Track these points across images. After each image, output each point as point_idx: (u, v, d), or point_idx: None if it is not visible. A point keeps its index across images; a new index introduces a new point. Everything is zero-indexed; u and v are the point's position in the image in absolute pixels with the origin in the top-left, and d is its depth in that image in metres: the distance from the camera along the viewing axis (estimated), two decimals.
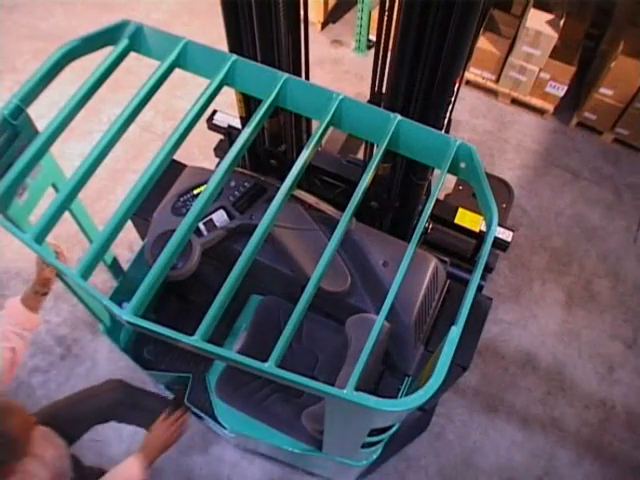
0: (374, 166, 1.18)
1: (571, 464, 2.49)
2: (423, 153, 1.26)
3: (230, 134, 2.37)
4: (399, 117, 1.21)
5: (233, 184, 1.96)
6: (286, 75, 1.23)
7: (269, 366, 0.93)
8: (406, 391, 1.88)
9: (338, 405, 1.09)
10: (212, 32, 2.35)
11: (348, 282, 1.77)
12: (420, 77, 1.52)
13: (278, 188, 1.12)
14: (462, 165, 1.22)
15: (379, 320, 0.99)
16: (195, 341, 0.94)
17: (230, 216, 1.91)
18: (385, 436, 1.56)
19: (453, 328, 0.99)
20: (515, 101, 3.59)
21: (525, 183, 3.31)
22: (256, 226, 1.06)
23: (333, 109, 1.21)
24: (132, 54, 1.31)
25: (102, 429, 2.45)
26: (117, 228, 1.06)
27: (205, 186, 1.11)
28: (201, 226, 1.86)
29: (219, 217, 1.90)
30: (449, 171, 1.22)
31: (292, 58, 1.77)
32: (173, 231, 1.06)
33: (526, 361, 2.73)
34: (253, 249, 1.04)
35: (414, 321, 1.75)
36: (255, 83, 1.27)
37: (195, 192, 1.96)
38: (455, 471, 2.45)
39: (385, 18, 1.67)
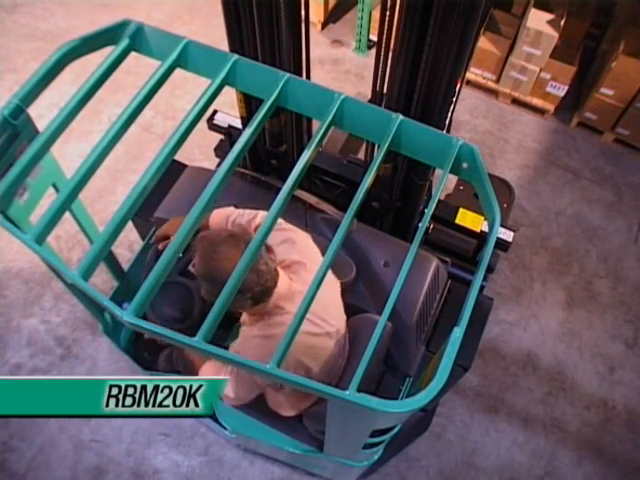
0: (376, 166, 1.17)
1: (572, 464, 2.49)
2: (425, 153, 1.26)
3: (230, 134, 2.37)
4: (401, 117, 1.20)
5: (234, 184, 1.95)
6: (287, 75, 1.22)
7: (271, 367, 0.93)
8: (407, 392, 1.88)
9: (340, 406, 1.09)
10: (213, 32, 2.35)
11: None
12: (421, 77, 1.52)
13: (279, 188, 1.11)
14: (464, 165, 1.21)
15: (381, 321, 0.99)
16: (196, 342, 0.94)
17: None
18: (387, 437, 1.56)
19: (456, 329, 0.99)
20: (516, 101, 3.59)
21: (525, 183, 3.30)
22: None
23: (335, 109, 1.20)
24: (132, 54, 1.31)
25: (102, 429, 2.46)
26: (118, 229, 1.06)
27: (206, 187, 1.11)
28: None
29: None
30: (451, 171, 1.21)
31: (293, 58, 1.77)
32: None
33: (527, 361, 2.73)
34: (254, 250, 1.04)
35: (415, 321, 1.75)
36: (256, 83, 1.26)
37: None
38: (456, 471, 2.45)
39: (386, 18, 1.66)
